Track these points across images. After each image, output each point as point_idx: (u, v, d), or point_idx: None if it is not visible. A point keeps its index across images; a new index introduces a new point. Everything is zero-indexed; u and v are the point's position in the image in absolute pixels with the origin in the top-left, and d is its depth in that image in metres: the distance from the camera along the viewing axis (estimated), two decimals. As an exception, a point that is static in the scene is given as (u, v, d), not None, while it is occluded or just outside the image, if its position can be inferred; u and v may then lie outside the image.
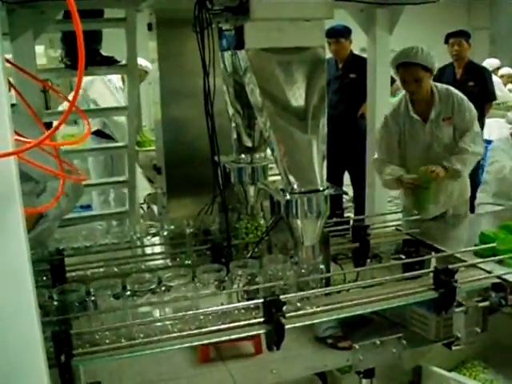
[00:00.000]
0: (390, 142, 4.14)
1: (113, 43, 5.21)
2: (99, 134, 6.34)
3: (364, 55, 5.06)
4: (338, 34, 6.19)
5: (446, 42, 6.84)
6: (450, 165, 3.96)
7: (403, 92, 4.19)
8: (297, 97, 2.45)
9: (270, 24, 2.39)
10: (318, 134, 2.49)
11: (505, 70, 10.72)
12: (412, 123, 4.10)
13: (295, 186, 2.46)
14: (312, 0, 2.41)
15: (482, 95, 6.59)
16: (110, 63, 4.90)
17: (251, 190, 3.13)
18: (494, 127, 7.58)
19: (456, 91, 4.15)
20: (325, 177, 2.52)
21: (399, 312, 2.73)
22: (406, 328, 2.70)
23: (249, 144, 3.12)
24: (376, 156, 4.26)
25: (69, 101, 1.22)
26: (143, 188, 5.86)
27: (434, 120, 4.06)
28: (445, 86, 4.16)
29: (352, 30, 6.08)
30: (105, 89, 6.24)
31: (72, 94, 6.44)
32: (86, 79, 5.98)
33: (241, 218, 3.15)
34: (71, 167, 2.70)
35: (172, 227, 3.24)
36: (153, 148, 4.97)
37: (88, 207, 6.72)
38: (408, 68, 3.96)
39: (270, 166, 3.16)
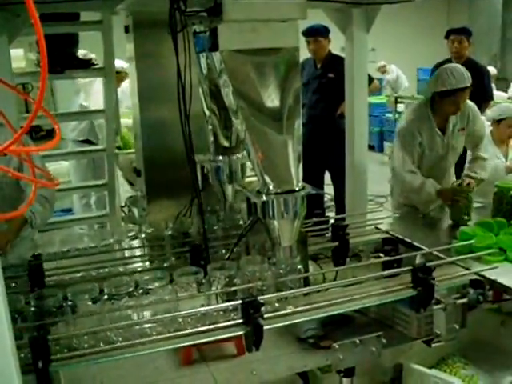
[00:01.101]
0: (415, 154, 4.18)
1: (90, 46, 5.20)
2: (86, 142, 6.32)
3: (343, 55, 5.06)
4: (317, 33, 6.19)
5: (447, 37, 6.80)
6: (476, 175, 4.15)
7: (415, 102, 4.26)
8: (272, 98, 2.44)
9: (243, 25, 2.38)
10: (294, 134, 2.48)
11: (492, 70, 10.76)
12: (433, 136, 4.18)
13: (271, 187, 2.46)
14: (285, 1, 2.41)
15: (479, 94, 6.53)
16: (86, 66, 4.88)
17: (229, 189, 3.13)
18: None
19: (469, 103, 4.24)
20: (301, 177, 2.52)
21: (380, 310, 2.74)
22: (388, 326, 2.71)
23: (225, 145, 3.12)
24: (407, 168, 4.14)
25: (34, 103, 1.20)
26: (124, 191, 5.83)
27: (451, 131, 4.19)
28: None
29: (331, 30, 6.08)
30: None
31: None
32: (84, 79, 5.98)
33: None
34: (44, 172, 2.70)
35: (151, 230, 3.23)
36: (133, 150, 4.95)
37: (69, 211, 6.68)
38: (464, 91, 4.04)
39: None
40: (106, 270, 2.91)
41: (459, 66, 4.18)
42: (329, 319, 2.53)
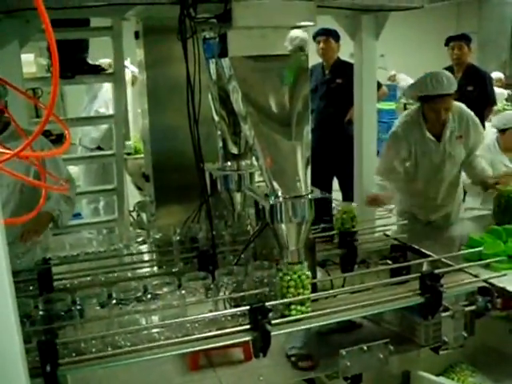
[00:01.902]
0: (392, 159, 4.16)
1: (100, 52, 5.23)
2: (98, 148, 6.35)
3: (352, 61, 5.07)
4: (329, 34, 6.19)
5: (447, 44, 6.80)
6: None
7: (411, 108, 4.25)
8: (280, 104, 2.44)
9: (253, 31, 2.39)
10: (302, 140, 2.47)
11: (495, 75, 10.74)
12: (425, 143, 4.10)
13: (279, 193, 2.46)
14: (295, 7, 2.41)
15: (481, 100, 6.52)
16: (96, 72, 4.91)
17: (238, 198, 3.13)
18: None
19: (468, 110, 4.18)
20: (309, 183, 2.52)
21: (389, 317, 2.74)
22: (395, 333, 2.71)
23: (235, 151, 3.12)
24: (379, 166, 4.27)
25: (45, 108, 1.21)
26: (133, 196, 5.86)
27: (448, 138, 4.09)
28: (456, 103, 4.14)
29: (341, 37, 6.09)
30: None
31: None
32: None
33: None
34: (53, 176, 2.73)
35: (159, 235, 3.24)
36: (141, 156, 4.97)
37: (78, 215, 6.70)
38: (443, 99, 3.94)
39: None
40: (115, 274, 2.92)
41: (443, 72, 4.04)
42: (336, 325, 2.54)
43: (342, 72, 6.09)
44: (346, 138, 5.71)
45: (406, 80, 14.08)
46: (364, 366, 2.52)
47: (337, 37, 6.26)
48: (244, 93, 2.43)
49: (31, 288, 2.75)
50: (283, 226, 2.46)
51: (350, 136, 5.14)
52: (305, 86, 2.52)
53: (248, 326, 2.27)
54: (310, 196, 2.47)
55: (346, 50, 6.40)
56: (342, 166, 5.95)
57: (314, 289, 2.60)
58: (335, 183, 6.59)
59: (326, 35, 6.22)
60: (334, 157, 6.19)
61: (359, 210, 4.82)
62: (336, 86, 6.26)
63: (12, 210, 3.30)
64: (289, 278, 2.42)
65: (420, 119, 4.10)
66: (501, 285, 2.75)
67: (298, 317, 2.37)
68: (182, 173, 3.51)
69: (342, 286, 2.72)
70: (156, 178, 3.82)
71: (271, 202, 2.44)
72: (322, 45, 6.29)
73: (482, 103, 6.53)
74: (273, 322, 2.27)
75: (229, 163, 3.15)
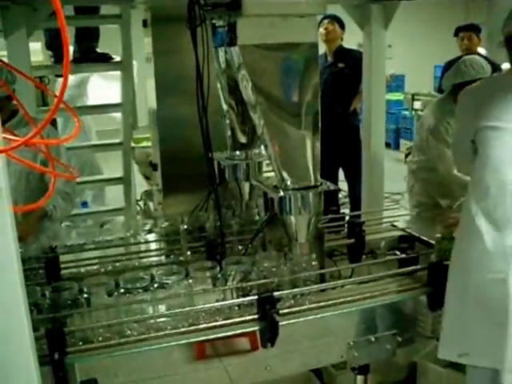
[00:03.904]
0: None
1: (108, 40, 5.20)
2: None
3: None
4: (335, 19, 6.14)
5: (456, 34, 6.74)
6: None
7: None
8: (290, 93, 2.44)
9: (262, 20, 2.37)
10: (312, 129, 2.47)
11: (505, 66, 10.62)
12: None
13: (289, 183, 2.46)
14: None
15: None
16: (105, 60, 4.89)
17: (246, 187, 3.12)
18: None
19: None
20: (319, 173, 2.51)
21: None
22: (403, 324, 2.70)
23: (243, 140, 3.11)
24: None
25: (55, 96, 1.21)
26: (141, 185, 5.85)
27: None
28: None
29: (349, 27, 6.03)
30: None
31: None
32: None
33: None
34: (64, 165, 2.72)
35: (166, 224, 3.23)
36: (149, 144, 4.95)
37: (84, 204, 6.68)
38: None
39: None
40: (123, 263, 2.92)
41: (478, 57, 4.14)
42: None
43: (345, 57, 6.06)
44: (351, 129, 5.68)
45: None
46: (371, 357, 2.52)
47: (342, 24, 6.21)
48: (253, 82, 2.42)
49: (38, 276, 2.75)
50: (292, 217, 2.45)
51: (355, 126, 5.10)
52: (314, 75, 2.52)
53: (256, 316, 2.27)
54: (319, 188, 2.47)
55: (353, 41, 6.37)
56: (348, 157, 5.92)
57: (322, 279, 2.60)
58: (341, 173, 6.56)
59: (331, 18, 6.17)
60: (339, 148, 6.11)
61: (367, 201, 4.86)
62: (338, 70, 6.18)
63: (18, 198, 3.29)
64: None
65: (453, 108, 4.12)
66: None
67: (306, 307, 2.36)
68: (189, 162, 3.50)
69: (350, 277, 2.71)
70: (164, 167, 3.81)
71: (280, 194, 2.44)
72: (326, 25, 6.19)
73: None
74: (281, 311, 2.26)
75: (237, 152, 3.14)
